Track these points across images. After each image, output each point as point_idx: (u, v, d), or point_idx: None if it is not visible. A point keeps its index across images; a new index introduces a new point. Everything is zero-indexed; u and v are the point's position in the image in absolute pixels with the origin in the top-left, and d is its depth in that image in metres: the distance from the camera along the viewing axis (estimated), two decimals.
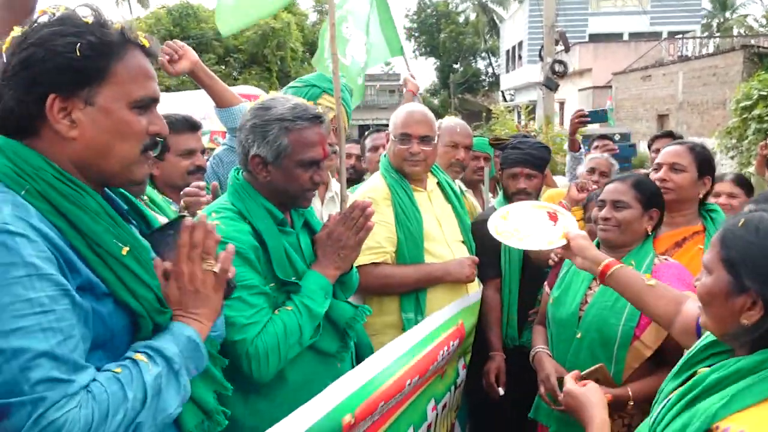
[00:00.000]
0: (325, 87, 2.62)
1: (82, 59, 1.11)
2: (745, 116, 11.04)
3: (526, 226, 2.17)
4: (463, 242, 2.65)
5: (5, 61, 1.13)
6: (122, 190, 1.35)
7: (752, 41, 17.75)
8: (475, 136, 3.64)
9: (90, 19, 1.14)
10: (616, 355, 2.01)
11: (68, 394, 1.00)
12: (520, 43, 31.98)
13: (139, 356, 1.12)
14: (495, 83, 42.73)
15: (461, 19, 44.71)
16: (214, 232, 1.28)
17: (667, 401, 1.28)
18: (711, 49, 18.66)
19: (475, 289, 2.60)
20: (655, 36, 25.37)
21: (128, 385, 1.07)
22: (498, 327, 2.77)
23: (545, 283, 2.49)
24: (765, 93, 10.71)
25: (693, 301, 1.65)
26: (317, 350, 1.83)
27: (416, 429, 2.00)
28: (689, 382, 1.25)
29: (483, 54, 45.67)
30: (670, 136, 4.10)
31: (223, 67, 23.68)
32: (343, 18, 4.45)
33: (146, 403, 1.08)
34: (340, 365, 1.90)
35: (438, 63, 46.79)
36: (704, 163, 2.43)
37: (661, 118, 17.23)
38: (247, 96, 5.19)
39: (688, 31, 26.57)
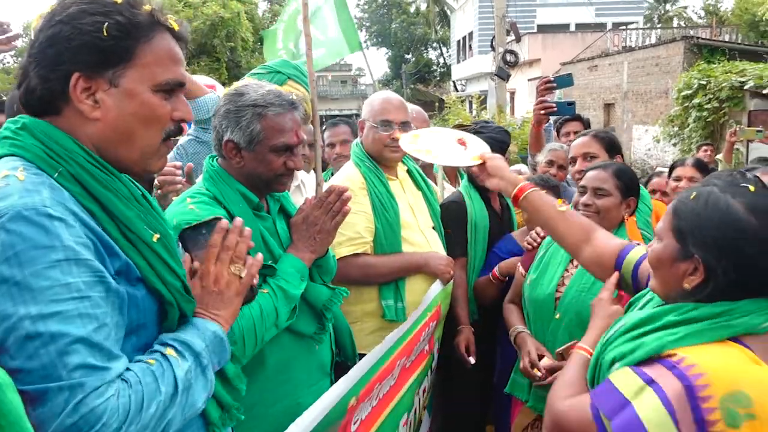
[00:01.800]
0: (289, 73, 2.59)
1: (108, 39, 1.09)
2: (686, 105, 11.50)
3: (438, 147, 2.16)
4: (434, 228, 2.71)
5: (32, 37, 1.12)
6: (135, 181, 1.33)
7: (691, 32, 18.42)
8: None
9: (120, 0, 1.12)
10: None
11: (106, 382, 0.98)
12: (471, 34, 32.27)
13: (169, 351, 1.12)
14: (446, 73, 43.05)
15: (412, 9, 44.79)
16: (248, 238, 1.29)
17: (619, 327, 1.37)
18: (653, 40, 19.27)
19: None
20: (600, 27, 26.04)
21: (161, 378, 1.06)
22: (465, 302, 2.87)
23: (519, 263, 2.55)
24: (704, 82, 11.17)
25: (604, 233, 1.77)
26: (295, 332, 1.84)
27: (408, 415, 2.08)
28: (644, 315, 1.33)
29: (434, 44, 45.91)
30: (579, 119, 4.22)
31: None
32: (297, 11, 4.48)
33: (176, 398, 1.07)
34: (318, 347, 1.92)
35: (390, 53, 46.77)
36: (611, 146, 2.72)
37: (608, 107, 17.73)
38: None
39: (631, 22, 27.39)
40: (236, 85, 1.86)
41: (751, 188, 1.29)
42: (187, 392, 1.10)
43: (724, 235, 1.23)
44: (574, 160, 2.76)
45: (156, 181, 2.12)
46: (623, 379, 1.23)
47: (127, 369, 1.05)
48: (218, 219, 1.29)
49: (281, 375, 1.82)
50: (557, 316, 2.18)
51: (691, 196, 1.31)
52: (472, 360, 2.66)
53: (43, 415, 0.93)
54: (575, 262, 2.24)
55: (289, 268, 1.79)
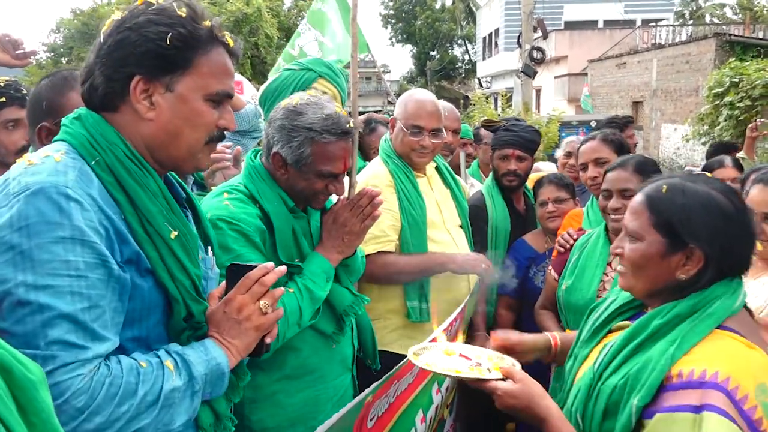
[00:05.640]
0: (321, 71, 2.63)
1: (170, 48, 1.19)
2: (717, 103, 11.24)
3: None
4: (461, 227, 2.68)
5: (101, 40, 1.21)
6: (183, 183, 1.40)
7: (724, 29, 18.02)
8: None
9: (184, 13, 1.21)
10: None
11: (80, 360, 1.03)
12: (497, 30, 32.00)
13: (168, 363, 1.14)
14: (471, 70, 42.77)
15: (437, 5, 44.57)
16: (282, 291, 1.31)
17: (610, 349, 1.35)
18: (684, 37, 18.89)
19: (476, 278, 2.62)
20: (629, 24, 25.60)
21: (144, 382, 1.09)
22: (482, 308, 2.83)
23: (549, 267, 2.50)
24: (736, 80, 10.91)
25: None
26: (315, 329, 1.86)
27: (425, 412, 2.06)
28: (631, 328, 1.34)
29: (459, 41, 45.64)
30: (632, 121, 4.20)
31: None
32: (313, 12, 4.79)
33: (154, 409, 1.09)
34: (335, 347, 1.93)
35: (414, 50, 46.63)
36: (621, 148, 2.66)
37: (636, 105, 17.44)
38: None
39: (661, 19, 26.88)
40: (297, 100, 1.83)
41: (709, 175, 1.38)
42: (167, 409, 1.11)
43: (712, 219, 1.28)
44: (585, 166, 2.69)
45: None
46: (666, 427, 1.16)
47: (118, 361, 1.08)
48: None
49: (303, 368, 1.85)
50: None
51: (663, 190, 1.34)
52: None
53: None
54: (614, 265, 2.18)
55: (316, 268, 1.80)
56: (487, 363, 1.53)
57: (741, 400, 1.13)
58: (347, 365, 2.01)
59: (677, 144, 14.78)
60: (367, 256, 2.29)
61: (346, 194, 1.94)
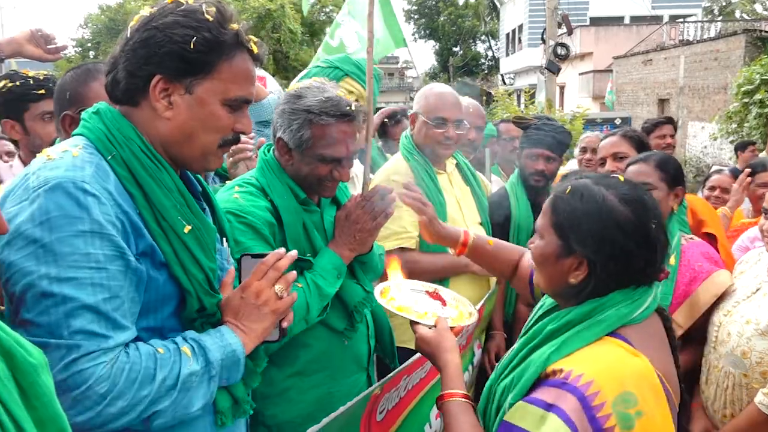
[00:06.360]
0: (347, 70, 2.62)
1: (194, 52, 1.19)
2: (746, 101, 10.99)
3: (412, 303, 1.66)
4: (481, 224, 2.66)
5: (128, 35, 1.23)
6: (198, 176, 1.43)
7: (754, 25, 17.61)
8: None
9: (212, 17, 1.21)
10: None
11: (102, 348, 1.07)
12: (521, 26, 31.70)
13: (185, 348, 1.17)
14: (494, 67, 42.45)
15: (461, 1, 44.28)
16: (294, 275, 1.34)
17: (511, 352, 1.38)
18: (712, 33, 18.50)
19: (494, 280, 2.63)
20: (656, 20, 25.14)
21: (163, 367, 1.12)
22: (501, 307, 2.84)
23: None
24: (767, 77, 10.64)
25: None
26: (327, 326, 1.86)
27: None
28: (528, 334, 1.35)
29: (482, 37, 45.31)
30: (671, 122, 4.07)
31: None
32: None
33: (173, 393, 1.12)
34: (348, 344, 1.93)
35: (437, 46, 46.44)
36: (641, 144, 2.65)
37: (662, 102, 17.14)
38: None
39: (689, 15, 26.36)
40: (299, 85, 1.86)
41: (621, 178, 1.33)
42: (185, 392, 1.14)
43: (602, 228, 1.25)
44: (603, 161, 2.71)
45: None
46: (521, 414, 1.19)
47: (136, 348, 1.12)
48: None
49: (316, 364, 1.85)
50: None
51: (567, 191, 1.31)
52: None
53: None
54: None
55: (327, 264, 1.79)
56: (451, 310, 1.63)
57: (596, 407, 1.12)
58: (362, 364, 1.99)
59: (704, 142, 14.50)
60: (387, 252, 2.28)
61: (360, 191, 1.95)
